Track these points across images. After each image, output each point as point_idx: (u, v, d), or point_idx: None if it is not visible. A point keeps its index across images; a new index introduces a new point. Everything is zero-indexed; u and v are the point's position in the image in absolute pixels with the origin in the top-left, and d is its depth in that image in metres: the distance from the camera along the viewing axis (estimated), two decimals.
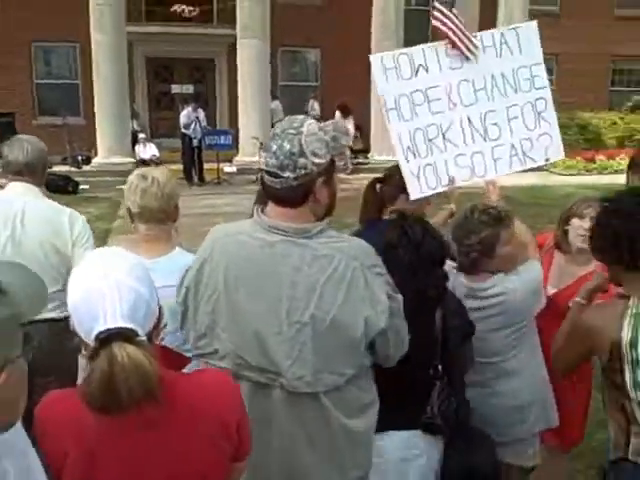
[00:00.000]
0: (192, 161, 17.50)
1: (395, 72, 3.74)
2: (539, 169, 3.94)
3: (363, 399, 2.32)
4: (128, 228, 9.93)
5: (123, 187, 12.35)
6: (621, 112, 22.62)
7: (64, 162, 18.20)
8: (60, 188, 13.87)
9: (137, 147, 17.86)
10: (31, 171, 3.58)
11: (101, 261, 1.66)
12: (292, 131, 2.17)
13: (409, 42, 19.47)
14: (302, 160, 2.16)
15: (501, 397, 3.22)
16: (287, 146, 2.15)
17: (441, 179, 3.79)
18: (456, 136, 3.78)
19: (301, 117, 2.26)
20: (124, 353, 1.51)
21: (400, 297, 2.33)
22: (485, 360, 3.18)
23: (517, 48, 3.84)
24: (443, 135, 3.75)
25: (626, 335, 2.26)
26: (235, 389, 1.84)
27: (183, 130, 18.65)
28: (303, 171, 2.17)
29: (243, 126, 18.61)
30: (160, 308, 1.74)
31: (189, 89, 19.61)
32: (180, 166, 17.14)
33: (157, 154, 18.61)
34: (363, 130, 20.20)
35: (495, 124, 3.80)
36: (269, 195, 2.27)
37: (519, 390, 3.24)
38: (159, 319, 1.74)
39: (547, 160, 3.96)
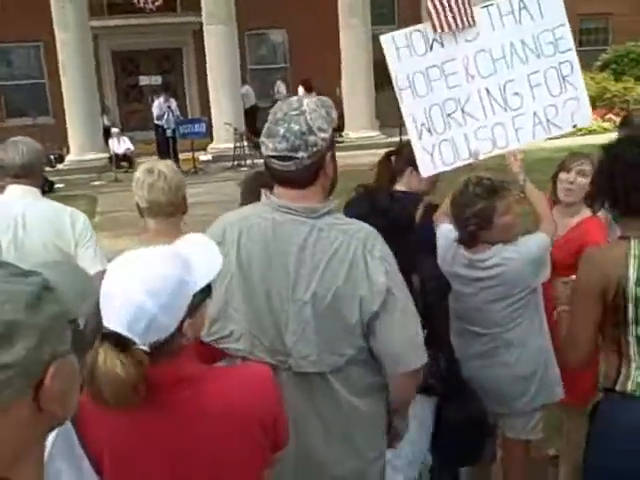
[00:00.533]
0: (167, 152, 17.41)
1: (408, 50, 3.72)
2: None
3: (368, 378, 2.32)
4: (109, 224, 9.79)
5: (97, 183, 12.26)
6: (591, 72, 22.70)
7: None
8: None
9: (110, 142, 17.71)
10: (28, 173, 3.53)
11: (125, 265, 1.68)
12: (295, 112, 2.18)
13: (375, 18, 19.55)
14: (312, 138, 2.18)
15: (502, 368, 3.25)
16: (295, 127, 2.16)
17: (459, 154, 3.75)
18: (475, 109, 3.73)
19: (295, 98, 2.29)
20: (102, 358, 1.55)
21: (403, 294, 2.29)
22: (486, 331, 3.22)
23: (538, 12, 3.73)
24: (462, 109, 3.71)
25: (632, 275, 2.33)
26: (272, 382, 1.85)
27: (156, 121, 18.58)
28: (314, 148, 2.19)
29: (215, 113, 18.53)
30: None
31: (157, 80, 19.41)
32: (155, 157, 17.05)
33: (131, 147, 18.47)
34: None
35: (516, 93, 3.72)
36: (279, 179, 2.26)
37: (520, 361, 3.26)
38: (202, 318, 1.78)
39: (574, 126, 3.84)
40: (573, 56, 3.79)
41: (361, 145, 17.73)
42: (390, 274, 2.23)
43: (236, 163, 17.34)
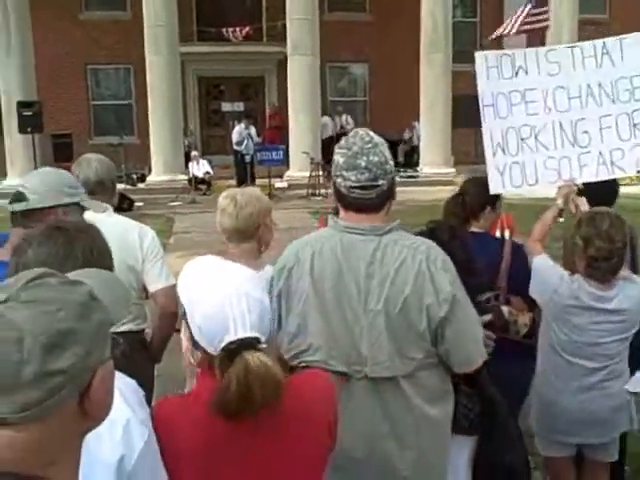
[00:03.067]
0: (245, 177, 17.77)
1: (496, 71, 3.89)
2: None
3: (436, 383, 2.48)
4: (184, 244, 9.97)
5: (175, 203, 12.50)
6: None
7: (119, 180, 18.53)
8: (115, 206, 14.14)
9: (190, 164, 18.16)
10: (102, 189, 3.58)
11: (224, 273, 1.74)
12: (369, 145, 2.43)
13: (457, 53, 19.60)
14: (388, 167, 2.46)
15: (612, 398, 3.33)
16: (375, 159, 2.41)
17: (527, 178, 3.88)
18: (547, 139, 3.87)
19: (362, 132, 2.50)
20: (257, 360, 1.60)
21: (466, 300, 2.47)
22: (597, 365, 3.30)
23: (619, 59, 3.86)
24: (535, 136, 3.85)
25: None
26: (333, 387, 1.92)
27: (235, 147, 18.96)
28: (390, 176, 2.46)
29: (293, 142, 18.82)
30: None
31: (240, 107, 19.85)
32: (233, 182, 17.41)
33: (211, 171, 18.92)
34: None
35: (586, 132, 3.85)
36: (357, 207, 2.47)
37: (622, 390, 3.35)
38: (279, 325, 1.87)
39: (638, 172, 4.00)
40: None
41: (435, 181, 17.75)
42: (454, 282, 2.42)
43: (310, 192, 17.57)
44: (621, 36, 3.94)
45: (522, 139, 3.85)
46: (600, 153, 3.85)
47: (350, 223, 2.47)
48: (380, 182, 2.42)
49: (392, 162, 2.49)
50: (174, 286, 3.45)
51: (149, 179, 18.83)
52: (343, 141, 2.50)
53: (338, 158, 2.46)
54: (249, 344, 1.64)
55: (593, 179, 3.87)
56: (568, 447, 3.45)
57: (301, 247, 2.54)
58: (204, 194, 17.97)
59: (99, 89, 23.66)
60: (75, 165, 3.64)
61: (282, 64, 20.09)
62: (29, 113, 16.22)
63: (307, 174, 17.70)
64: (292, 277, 2.50)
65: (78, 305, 1.08)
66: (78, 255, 1.81)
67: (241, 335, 1.64)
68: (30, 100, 17.14)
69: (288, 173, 19.01)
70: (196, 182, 17.96)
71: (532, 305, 3.55)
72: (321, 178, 17.68)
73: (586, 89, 3.86)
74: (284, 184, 18.58)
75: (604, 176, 3.87)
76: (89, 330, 1.07)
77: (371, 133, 2.49)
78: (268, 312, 1.75)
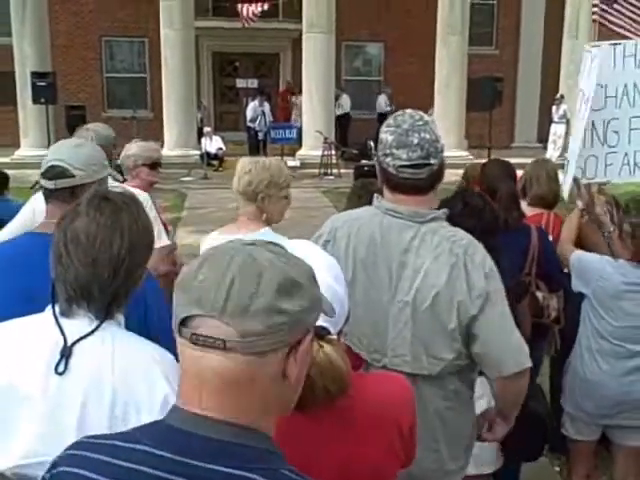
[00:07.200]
0: (257, 154, 17.75)
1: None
2: None
3: (459, 389, 2.40)
4: (195, 220, 10.04)
5: (187, 179, 12.56)
6: None
7: None
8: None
9: (203, 140, 18.16)
10: None
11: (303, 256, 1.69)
12: (420, 122, 2.32)
13: (473, 36, 19.44)
14: (440, 145, 2.36)
15: None
16: (427, 136, 2.30)
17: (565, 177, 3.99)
18: (578, 137, 3.91)
19: (410, 110, 2.40)
20: (320, 351, 1.52)
21: (501, 299, 2.34)
22: None
23: None
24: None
25: None
26: (411, 392, 1.81)
27: (249, 124, 18.93)
28: (441, 155, 2.36)
29: (307, 120, 18.76)
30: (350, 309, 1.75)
31: (254, 83, 19.75)
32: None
33: (223, 147, 18.90)
34: None
35: (616, 132, 3.88)
36: (405, 187, 2.35)
37: None
38: (347, 318, 1.74)
39: None
40: None
41: (449, 164, 17.61)
42: (489, 279, 2.29)
43: (322, 171, 17.54)
44: None
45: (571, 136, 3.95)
46: (626, 154, 3.89)
47: (394, 205, 2.36)
48: (432, 161, 2.31)
49: (443, 141, 2.39)
50: (165, 247, 3.58)
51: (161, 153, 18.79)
52: (391, 119, 2.39)
53: (387, 136, 2.33)
54: (315, 334, 1.55)
55: (615, 179, 3.94)
56: (597, 431, 3.57)
57: (340, 224, 2.48)
58: (216, 170, 17.98)
59: (113, 62, 23.59)
60: (74, 135, 3.72)
61: (297, 42, 19.96)
62: (43, 84, 16.19)
63: (319, 153, 17.67)
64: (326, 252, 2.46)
65: (309, 271, 1.20)
66: (124, 226, 1.82)
67: None
68: (44, 71, 17.12)
69: (301, 152, 18.95)
70: (208, 158, 17.95)
71: (556, 290, 3.69)
72: (334, 158, 17.64)
73: (622, 88, 3.87)
74: (297, 163, 18.56)
75: (626, 177, 3.94)
76: (312, 293, 1.18)
77: (420, 112, 2.40)
78: (340, 301, 1.64)
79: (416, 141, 2.29)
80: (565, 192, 4.01)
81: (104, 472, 1.11)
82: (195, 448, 1.10)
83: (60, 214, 1.93)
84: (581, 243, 3.70)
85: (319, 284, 1.23)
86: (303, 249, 1.61)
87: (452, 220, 2.52)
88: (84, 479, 1.12)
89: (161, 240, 3.55)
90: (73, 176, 2.45)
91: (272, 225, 3.39)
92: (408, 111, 2.40)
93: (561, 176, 4.09)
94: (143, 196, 3.66)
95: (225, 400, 1.12)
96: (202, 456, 1.09)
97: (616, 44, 3.90)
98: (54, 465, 1.19)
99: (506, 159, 4.41)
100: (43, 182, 2.49)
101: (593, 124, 3.86)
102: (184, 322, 1.11)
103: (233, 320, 1.07)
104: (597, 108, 3.84)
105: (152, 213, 3.61)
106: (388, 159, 2.33)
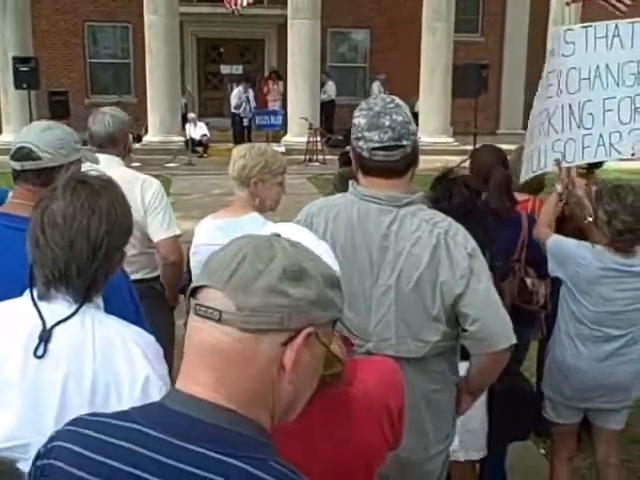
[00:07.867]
0: (242, 141, 17.68)
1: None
2: None
3: (447, 374, 2.42)
4: (181, 206, 9.98)
5: (171, 165, 12.51)
6: None
7: None
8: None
9: (187, 126, 18.06)
10: (112, 143, 3.68)
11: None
12: (392, 105, 2.31)
13: (459, 22, 19.43)
14: (412, 127, 2.33)
15: (631, 364, 3.43)
16: (399, 118, 2.28)
17: (540, 162, 3.92)
18: (557, 122, 3.88)
19: (382, 95, 2.42)
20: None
21: (485, 277, 2.33)
22: (621, 332, 3.38)
23: (629, 42, 3.84)
24: (549, 120, 3.88)
25: None
26: (400, 375, 1.81)
27: (233, 110, 18.87)
28: (414, 137, 2.33)
29: (292, 107, 18.70)
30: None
31: (239, 70, 19.62)
32: (230, 145, 17.33)
33: (207, 134, 18.82)
34: None
35: (590, 114, 3.86)
36: (378, 170, 2.34)
37: None
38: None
39: (632, 155, 3.99)
40: None
41: (434, 150, 17.65)
42: (473, 258, 2.29)
43: (308, 157, 17.51)
44: (635, 19, 3.91)
45: (541, 123, 3.89)
46: (601, 135, 3.87)
47: (368, 191, 2.35)
48: (404, 142, 2.28)
49: (414, 125, 2.36)
50: (175, 237, 3.60)
51: (145, 139, 18.68)
52: (363, 103, 2.37)
53: (359, 120, 2.31)
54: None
55: (591, 160, 3.96)
56: (578, 414, 3.60)
57: (315, 212, 2.46)
58: (201, 156, 17.92)
59: (97, 47, 23.41)
60: (90, 118, 3.75)
61: (283, 28, 19.87)
62: (25, 69, 16.00)
63: (305, 139, 17.63)
64: None
65: (330, 273, 1.23)
66: (102, 209, 1.80)
67: None
68: (26, 56, 16.94)
69: (285, 138, 18.89)
70: (193, 144, 17.88)
71: (544, 277, 3.69)
72: (319, 144, 17.61)
73: (595, 71, 3.84)
74: (282, 149, 18.48)
75: (602, 157, 3.93)
76: (323, 291, 1.17)
77: (393, 96, 2.39)
78: None
79: (387, 123, 2.27)
80: (521, 179, 3.99)
81: (93, 448, 1.13)
82: (188, 431, 1.10)
83: (27, 195, 1.92)
84: (574, 225, 3.72)
85: (335, 287, 1.23)
86: (290, 232, 1.56)
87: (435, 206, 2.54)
88: (74, 453, 1.14)
89: (172, 229, 3.62)
90: (40, 158, 2.46)
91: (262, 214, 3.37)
92: (380, 94, 2.42)
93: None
94: (156, 184, 3.72)
95: (221, 379, 1.12)
96: (194, 439, 1.09)
97: (588, 26, 3.87)
98: (51, 439, 1.21)
99: None
100: (12, 163, 2.50)
101: (570, 107, 3.85)
102: (194, 294, 1.15)
103: (235, 293, 1.10)
104: (572, 91, 3.83)
105: (164, 200, 3.68)
106: (360, 142, 2.32)
